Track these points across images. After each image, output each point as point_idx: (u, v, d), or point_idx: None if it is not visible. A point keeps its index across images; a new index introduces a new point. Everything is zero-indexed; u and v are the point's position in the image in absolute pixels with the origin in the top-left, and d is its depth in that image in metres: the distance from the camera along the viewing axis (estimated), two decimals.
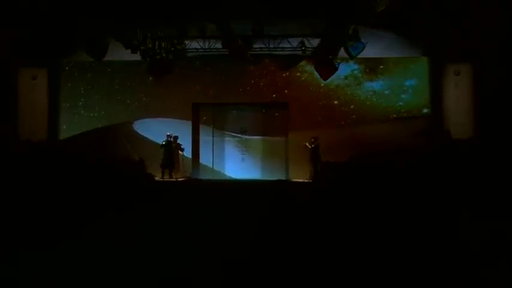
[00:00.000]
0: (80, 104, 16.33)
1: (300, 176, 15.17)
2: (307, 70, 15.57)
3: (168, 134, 15.36)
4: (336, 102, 15.80)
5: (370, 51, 13.92)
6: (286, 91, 15.91)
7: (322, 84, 15.30)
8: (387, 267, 4.43)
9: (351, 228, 6.30)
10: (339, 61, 14.09)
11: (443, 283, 4.08)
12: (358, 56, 13.46)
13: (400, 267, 4.42)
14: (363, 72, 15.80)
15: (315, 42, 14.41)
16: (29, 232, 5.64)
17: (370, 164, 10.15)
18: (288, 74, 15.93)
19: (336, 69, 14.19)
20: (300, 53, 14.78)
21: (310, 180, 14.51)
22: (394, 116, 15.63)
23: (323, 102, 15.79)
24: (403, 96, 15.70)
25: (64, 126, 16.25)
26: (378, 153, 12.34)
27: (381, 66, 15.76)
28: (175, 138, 15.48)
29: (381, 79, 15.77)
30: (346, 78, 15.76)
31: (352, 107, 15.74)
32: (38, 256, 4.85)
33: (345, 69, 15.50)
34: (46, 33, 14.03)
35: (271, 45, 14.77)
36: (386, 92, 15.74)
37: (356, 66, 15.66)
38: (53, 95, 16.04)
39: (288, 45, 14.80)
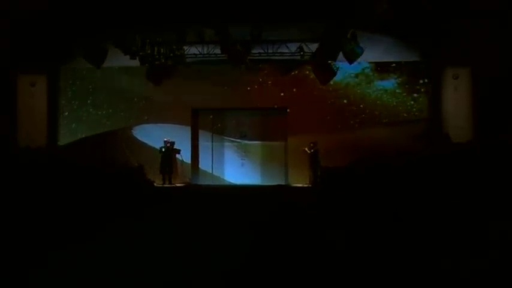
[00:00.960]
0: (89, 102, 16.35)
1: (300, 181, 15.15)
2: None
3: (165, 140, 15.39)
4: (345, 101, 15.68)
5: (368, 56, 13.97)
6: (293, 90, 15.75)
7: (331, 83, 15.07)
8: (388, 273, 4.42)
9: (351, 233, 6.29)
10: (337, 66, 14.08)
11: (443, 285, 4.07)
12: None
13: (402, 273, 4.40)
14: (374, 71, 15.65)
15: (314, 47, 14.40)
16: (28, 237, 5.63)
17: (370, 169, 10.12)
18: (296, 72, 15.73)
19: (335, 73, 14.18)
20: (299, 57, 14.77)
21: (310, 185, 14.50)
22: (405, 115, 15.53)
23: (332, 101, 15.66)
24: (415, 95, 15.58)
25: (73, 125, 16.27)
26: (378, 158, 12.32)
27: (393, 65, 15.63)
28: (172, 143, 15.49)
29: (392, 78, 15.66)
30: (356, 76, 15.65)
31: (361, 106, 15.63)
32: (37, 259, 4.83)
33: (356, 68, 15.33)
34: (45, 40, 14.04)
35: (270, 51, 14.76)
36: (397, 91, 15.65)
37: (367, 65, 15.51)
38: (52, 101, 16.03)
39: (287, 51, 14.80)
